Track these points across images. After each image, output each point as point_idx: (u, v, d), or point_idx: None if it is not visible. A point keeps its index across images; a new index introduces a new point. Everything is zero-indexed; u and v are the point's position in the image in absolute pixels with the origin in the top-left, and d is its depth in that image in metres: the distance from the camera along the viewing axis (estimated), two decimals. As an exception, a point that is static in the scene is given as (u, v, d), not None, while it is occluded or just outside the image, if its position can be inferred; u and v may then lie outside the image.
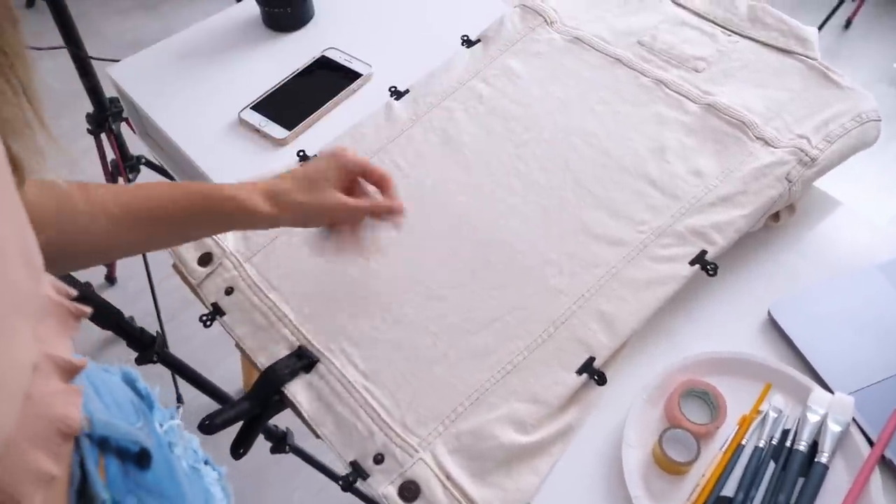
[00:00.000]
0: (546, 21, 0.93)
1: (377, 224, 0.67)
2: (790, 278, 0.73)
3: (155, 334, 0.97)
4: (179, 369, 1.00)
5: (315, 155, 0.85)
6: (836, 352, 0.68)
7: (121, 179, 1.32)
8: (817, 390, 0.65)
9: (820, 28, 2.19)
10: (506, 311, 0.70)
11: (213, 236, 0.79)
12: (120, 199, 0.57)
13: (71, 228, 0.53)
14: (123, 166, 1.29)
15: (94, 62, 1.18)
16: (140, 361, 0.97)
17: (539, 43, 0.91)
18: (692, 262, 0.70)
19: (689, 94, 0.82)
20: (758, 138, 0.77)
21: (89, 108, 1.24)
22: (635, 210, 0.74)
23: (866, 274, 0.73)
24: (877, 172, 1.89)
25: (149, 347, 0.95)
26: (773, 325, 0.70)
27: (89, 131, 1.27)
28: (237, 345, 0.73)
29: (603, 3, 0.95)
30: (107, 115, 1.22)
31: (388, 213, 0.66)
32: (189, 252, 0.79)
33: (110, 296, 1.74)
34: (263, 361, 0.71)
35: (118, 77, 0.99)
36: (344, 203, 0.63)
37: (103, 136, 1.27)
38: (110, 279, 1.76)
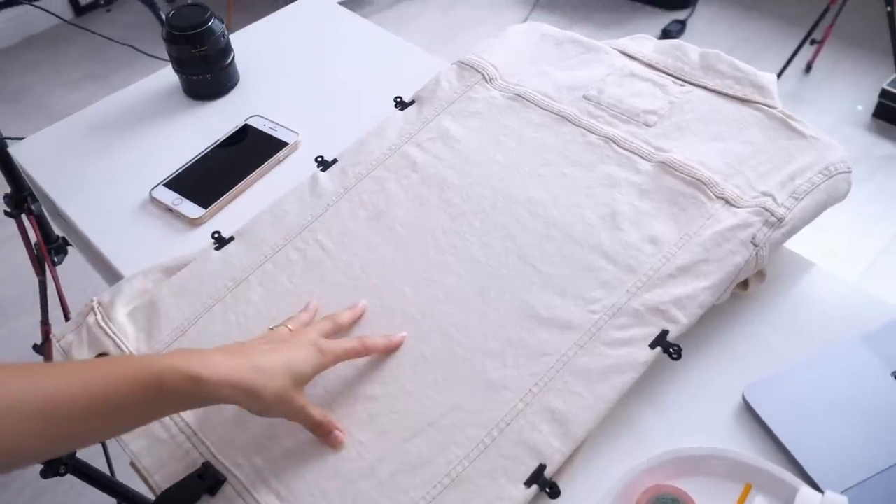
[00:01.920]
0: (485, 78, 0.85)
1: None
2: (764, 356, 0.65)
3: (64, 442, 0.86)
4: (92, 478, 0.89)
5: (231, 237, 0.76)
6: (822, 441, 0.59)
7: (46, 265, 1.23)
8: (804, 490, 0.55)
9: (780, 73, 2.16)
10: (442, 412, 0.60)
11: (112, 333, 0.69)
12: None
13: None
14: (47, 249, 1.19)
15: (10, 140, 1.10)
16: (46, 474, 0.85)
17: (477, 102, 0.83)
18: (652, 345, 0.61)
19: (641, 150, 0.75)
20: (718, 198, 0.69)
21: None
22: (586, 287, 0.65)
23: (849, 346, 0.64)
24: (848, 218, 1.83)
25: (55, 458, 0.84)
26: (749, 411, 0.61)
27: (7, 213, 1.17)
28: (132, 463, 0.63)
29: (546, 56, 0.88)
30: (25, 195, 1.13)
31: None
32: (82, 352, 0.69)
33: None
34: (161, 483, 0.60)
35: (21, 155, 0.91)
36: (301, 410, 0.58)
37: (24, 217, 1.17)
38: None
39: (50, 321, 1.28)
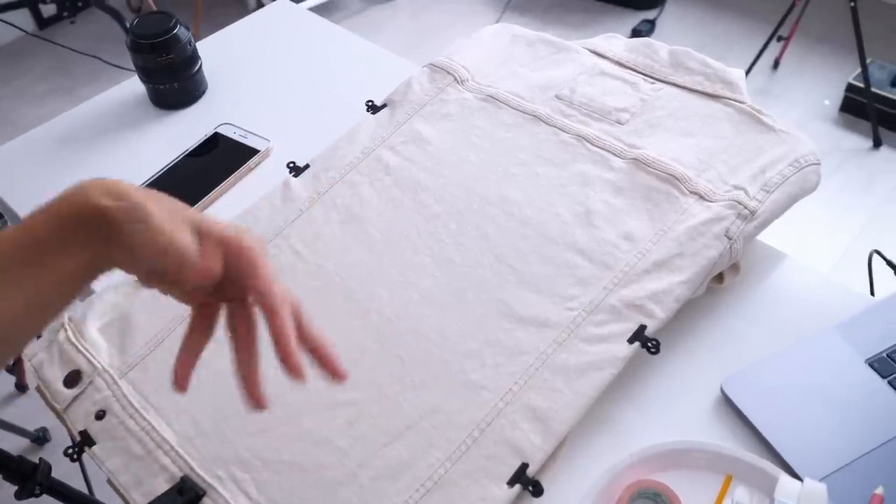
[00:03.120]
0: (456, 80, 0.85)
1: None
2: (741, 348, 0.65)
3: (37, 461, 0.84)
4: (69, 498, 0.87)
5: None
6: (800, 430, 0.59)
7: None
8: (784, 479, 0.56)
9: (749, 70, 2.19)
10: (421, 415, 0.60)
11: (84, 350, 0.68)
12: None
13: None
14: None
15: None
16: (21, 496, 0.83)
17: (449, 104, 0.83)
18: (630, 340, 0.61)
19: (614, 148, 0.75)
20: (691, 192, 0.70)
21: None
22: (563, 285, 0.65)
23: (824, 337, 0.65)
24: (819, 210, 1.86)
25: (29, 479, 0.82)
26: (728, 403, 0.62)
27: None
28: (109, 481, 0.61)
29: (517, 57, 0.88)
30: (-10, 210, 1.11)
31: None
32: (53, 371, 0.67)
33: (19, 406, 1.59)
34: (139, 500, 0.59)
35: (-14, 170, 0.89)
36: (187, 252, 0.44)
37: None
38: (20, 387, 1.60)
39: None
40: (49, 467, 0.86)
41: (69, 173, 0.86)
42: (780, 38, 2.18)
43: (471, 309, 0.65)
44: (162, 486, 0.59)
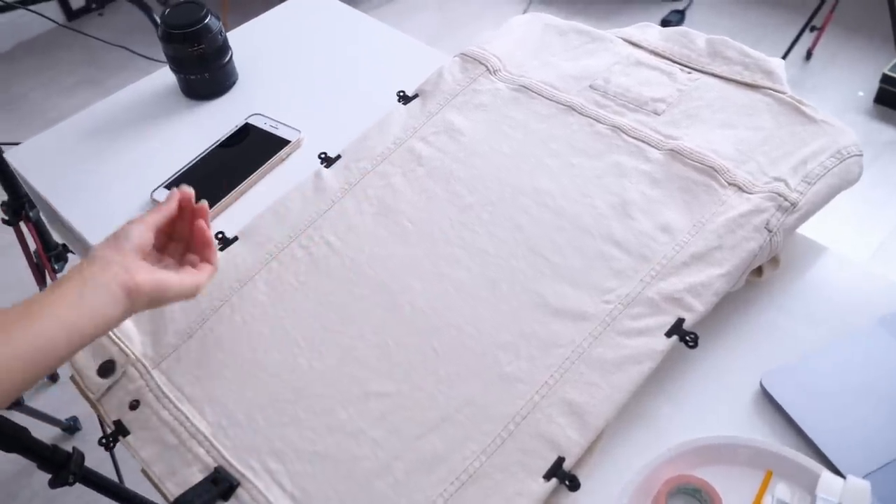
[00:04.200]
0: (489, 70, 0.84)
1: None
2: (781, 342, 0.64)
3: (70, 450, 0.85)
4: (101, 486, 0.88)
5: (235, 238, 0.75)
6: (842, 427, 0.58)
7: (47, 273, 1.21)
8: (826, 475, 0.54)
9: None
10: (456, 408, 0.59)
11: (118, 339, 0.68)
12: None
13: None
14: (47, 257, 1.18)
15: (5, 146, 1.08)
16: (55, 484, 0.84)
17: (482, 94, 0.82)
18: (668, 334, 0.60)
19: (650, 139, 0.74)
20: (730, 184, 0.68)
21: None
22: (599, 277, 0.64)
23: (867, 331, 0.63)
24: (853, 205, 1.81)
25: (62, 468, 0.83)
26: (768, 398, 0.60)
27: (5, 221, 1.16)
28: (143, 471, 0.62)
29: (550, 47, 0.87)
30: (23, 201, 1.12)
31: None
32: (87, 360, 0.68)
33: (50, 396, 1.61)
34: (173, 489, 0.59)
35: (17, 161, 0.90)
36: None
37: (23, 224, 1.16)
38: (51, 376, 1.63)
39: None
40: (82, 456, 0.87)
41: (100, 165, 0.87)
42: (813, 28, 2.14)
43: (505, 301, 0.65)
44: (196, 476, 0.59)
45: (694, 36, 0.83)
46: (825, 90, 2.18)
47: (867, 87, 2.15)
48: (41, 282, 1.28)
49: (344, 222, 0.73)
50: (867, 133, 2.04)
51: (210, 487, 0.58)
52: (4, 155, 0.92)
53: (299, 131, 0.87)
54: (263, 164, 0.84)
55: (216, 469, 0.59)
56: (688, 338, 0.60)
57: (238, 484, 0.58)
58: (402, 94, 0.85)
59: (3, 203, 1.16)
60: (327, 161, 0.80)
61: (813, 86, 2.20)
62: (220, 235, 0.75)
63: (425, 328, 0.64)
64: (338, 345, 0.65)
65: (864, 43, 2.30)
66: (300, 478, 0.58)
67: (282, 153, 0.85)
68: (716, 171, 0.69)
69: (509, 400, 0.59)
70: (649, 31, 0.87)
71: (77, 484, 0.87)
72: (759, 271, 0.67)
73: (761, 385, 0.60)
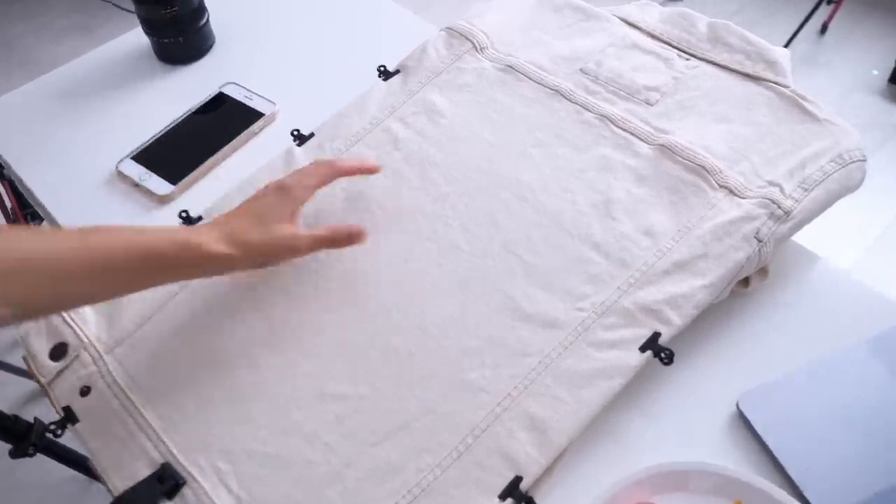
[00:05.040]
0: (475, 47, 0.79)
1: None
2: (763, 359, 0.60)
3: (32, 420, 0.83)
4: (65, 458, 0.86)
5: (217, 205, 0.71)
6: (820, 457, 0.55)
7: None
8: (799, 508, 0.52)
9: (795, 35, 2.08)
10: (414, 415, 0.56)
11: (72, 321, 0.65)
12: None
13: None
14: (22, 214, 1.15)
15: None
16: (15, 455, 0.83)
17: (466, 73, 0.77)
18: (643, 348, 0.57)
19: (640, 132, 0.70)
20: (721, 186, 0.64)
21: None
22: (574, 281, 0.61)
23: (854, 352, 0.60)
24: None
25: (23, 439, 0.81)
26: (743, 421, 0.57)
27: (-21, 178, 1.13)
28: (89, 462, 0.59)
29: (542, 23, 0.82)
30: (-3, 158, 1.08)
31: (350, 237, 0.63)
32: (40, 342, 0.65)
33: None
34: (118, 484, 0.57)
35: (-16, 120, 0.86)
36: (298, 236, 0.60)
37: (-2, 182, 1.13)
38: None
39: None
40: (44, 427, 0.85)
41: (67, 129, 0.83)
42: (830, 1, 2.06)
43: (474, 302, 0.61)
44: (143, 470, 0.57)
45: (695, 19, 0.78)
46: (838, 67, 2.11)
47: (882, 66, 2.08)
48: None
49: (312, 206, 0.69)
50: (877, 114, 1.98)
51: (156, 486, 0.56)
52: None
53: (274, 104, 0.82)
54: (235, 137, 0.80)
55: (163, 466, 0.57)
56: (662, 354, 0.57)
57: (184, 483, 0.56)
58: (382, 69, 0.81)
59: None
60: (300, 139, 0.76)
61: (826, 61, 2.13)
62: (183, 214, 0.72)
63: (388, 327, 0.61)
64: (298, 340, 0.62)
65: (882, 19, 2.22)
66: (248, 480, 0.56)
67: (254, 127, 0.81)
68: (707, 171, 0.65)
69: (470, 410, 0.56)
70: (649, 10, 0.81)
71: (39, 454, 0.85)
72: (745, 282, 0.63)
73: (737, 406, 0.57)
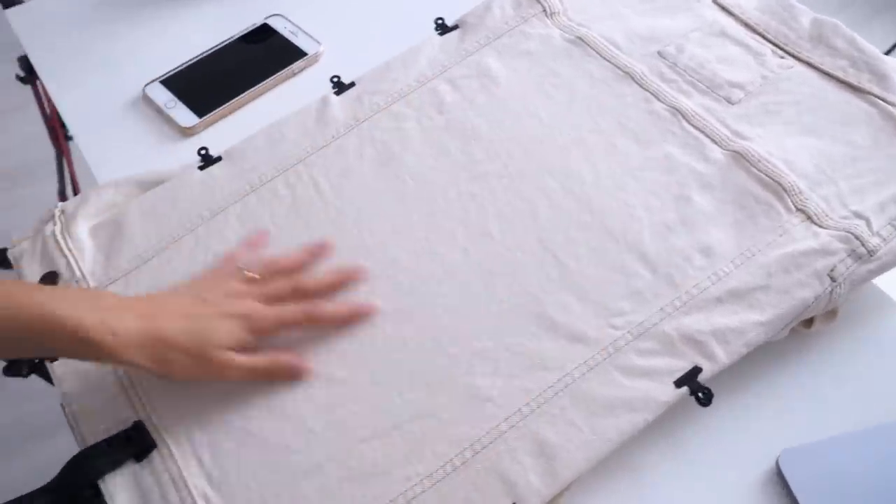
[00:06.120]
0: (545, 11, 0.71)
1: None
2: (815, 414, 0.53)
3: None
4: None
5: (218, 157, 0.66)
6: (861, 535, 0.48)
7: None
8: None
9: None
10: (410, 416, 0.51)
11: (68, 252, 0.61)
12: None
13: None
14: (60, 122, 1.11)
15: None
16: (8, 373, 0.80)
17: (530, 39, 0.70)
18: (678, 383, 0.50)
19: (714, 133, 0.61)
20: (798, 210, 0.56)
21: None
22: (613, 294, 0.54)
23: (920, 422, 0.52)
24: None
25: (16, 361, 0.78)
26: (780, 480, 0.50)
27: (21, 79, 1.09)
28: (61, 405, 0.55)
29: (625, -6, 0.73)
30: (35, 61, 1.04)
31: (290, 375, 0.53)
32: (33, 266, 0.61)
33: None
34: (86, 435, 0.53)
35: (17, 22, 0.81)
36: (231, 367, 0.52)
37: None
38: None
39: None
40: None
41: (100, 41, 0.78)
42: (944, 11, 1.89)
43: (497, 299, 0.55)
44: (114, 426, 0.53)
45: (798, 12, 0.69)
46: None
47: None
48: (56, 143, 1.23)
49: (340, 164, 0.63)
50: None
51: (124, 444, 0.52)
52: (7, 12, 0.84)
53: (320, 44, 0.76)
54: (273, 74, 0.74)
55: (135, 424, 0.53)
56: (701, 393, 0.50)
57: (155, 446, 0.52)
58: (440, 21, 0.73)
59: (22, 57, 1.08)
60: (339, 87, 0.69)
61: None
62: (203, 152, 0.66)
63: (399, 312, 0.55)
64: (298, 309, 0.56)
65: None
66: (222, 456, 0.51)
67: (295, 66, 0.74)
68: (784, 189, 0.57)
69: (472, 421, 0.50)
70: (748, -5, 0.72)
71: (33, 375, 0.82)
72: (808, 322, 0.56)
73: (777, 464, 0.50)
